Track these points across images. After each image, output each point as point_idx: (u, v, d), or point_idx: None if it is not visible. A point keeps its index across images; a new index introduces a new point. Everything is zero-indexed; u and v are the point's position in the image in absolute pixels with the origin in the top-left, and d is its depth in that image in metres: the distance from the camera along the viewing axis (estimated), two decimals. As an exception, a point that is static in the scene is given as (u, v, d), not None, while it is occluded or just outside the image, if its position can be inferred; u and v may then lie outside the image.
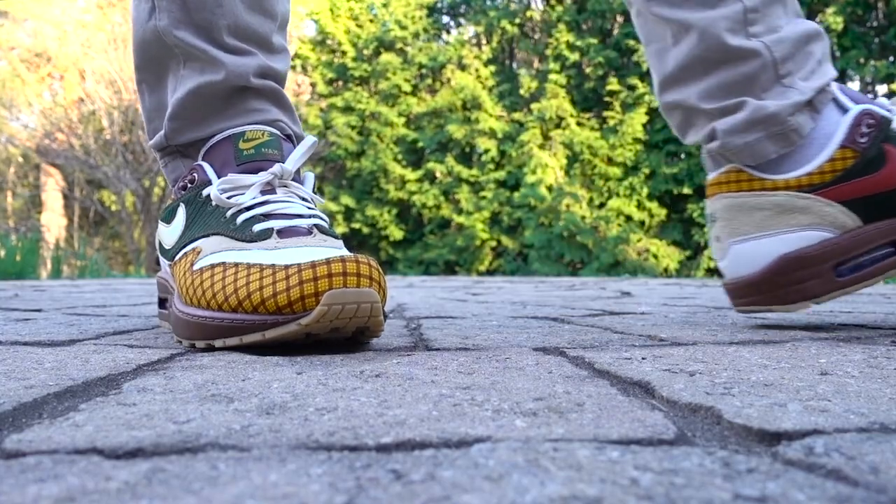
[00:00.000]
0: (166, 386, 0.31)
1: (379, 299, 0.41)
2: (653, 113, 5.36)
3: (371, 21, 6.95)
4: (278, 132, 0.53)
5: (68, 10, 6.78)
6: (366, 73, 6.75)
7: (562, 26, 5.77)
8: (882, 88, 5.08)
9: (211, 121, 0.54)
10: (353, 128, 6.47)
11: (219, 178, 0.50)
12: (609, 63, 5.61)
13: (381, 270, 0.42)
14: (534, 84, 5.80)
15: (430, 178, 6.15)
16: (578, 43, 5.69)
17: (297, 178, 0.52)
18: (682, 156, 5.34)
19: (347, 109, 6.54)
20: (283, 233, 0.46)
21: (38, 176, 7.39)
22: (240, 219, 0.47)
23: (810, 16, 5.01)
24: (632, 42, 5.47)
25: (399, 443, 0.22)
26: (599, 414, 0.26)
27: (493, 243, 5.80)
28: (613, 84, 5.51)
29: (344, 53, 6.73)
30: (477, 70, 6.11)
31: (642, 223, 5.22)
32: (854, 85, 5.33)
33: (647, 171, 5.30)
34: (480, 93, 5.83)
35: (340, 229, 6.45)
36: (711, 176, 0.59)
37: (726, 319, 0.64)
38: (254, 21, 0.55)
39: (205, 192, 0.50)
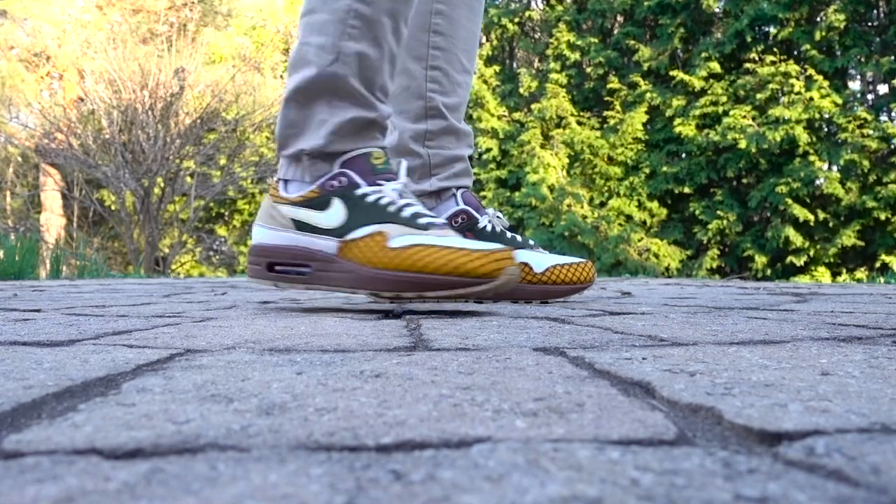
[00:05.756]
0: (165, 386, 0.31)
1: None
2: (653, 112, 5.35)
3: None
4: (386, 154, 0.79)
5: (67, 10, 6.77)
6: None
7: (562, 26, 5.76)
8: (883, 87, 5.08)
9: (352, 139, 0.77)
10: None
11: (365, 182, 0.73)
12: (609, 63, 5.61)
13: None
14: (534, 84, 5.79)
15: (431, 176, 6.14)
16: (579, 42, 5.68)
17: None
18: (683, 155, 5.33)
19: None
20: (431, 226, 0.70)
21: (36, 176, 7.38)
22: (405, 213, 0.70)
23: (811, 14, 5.01)
24: (632, 42, 5.47)
25: (399, 443, 0.22)
26: (600, 414, 0.26)
27: (494, 243, 5.77)
28: (614, 83, 5.50)
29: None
30: (479, 69, 6.10)
31: (643, 223, 5.22)
32: (855, 83, 5.32)
33: (647, 170, 5.30)
34: (485, 93, 5.81)
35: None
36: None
37: (727, 319, 0.64)
38: (391, 84, 0.81)
39: (358, 192, 0.72)
